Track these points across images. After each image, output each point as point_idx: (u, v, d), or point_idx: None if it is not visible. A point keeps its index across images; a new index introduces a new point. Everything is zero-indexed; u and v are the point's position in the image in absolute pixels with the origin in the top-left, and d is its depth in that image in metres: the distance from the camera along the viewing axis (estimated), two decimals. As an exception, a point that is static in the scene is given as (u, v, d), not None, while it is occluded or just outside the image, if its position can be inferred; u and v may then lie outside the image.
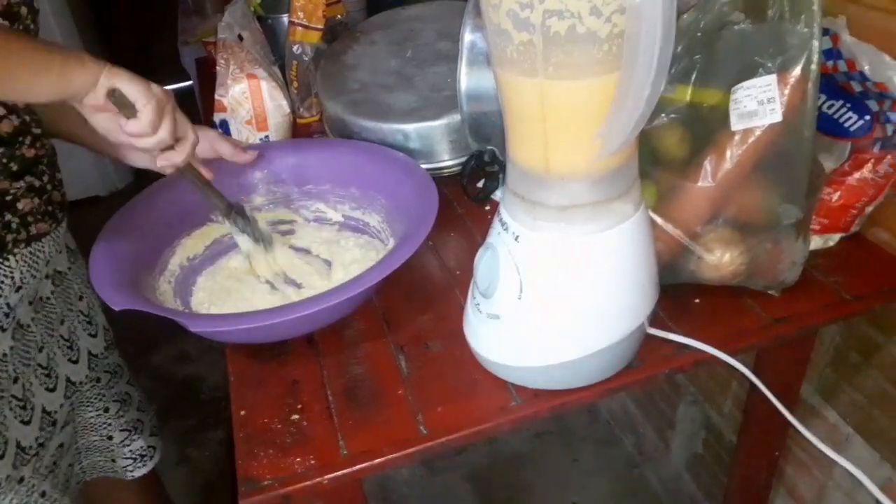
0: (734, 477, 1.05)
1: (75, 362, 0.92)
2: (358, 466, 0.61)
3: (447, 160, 0.92)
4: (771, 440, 0.95)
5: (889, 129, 0.70)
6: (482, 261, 0.64)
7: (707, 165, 0.66)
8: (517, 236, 0.60)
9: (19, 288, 0.77)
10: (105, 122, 0.67)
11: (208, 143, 0.80)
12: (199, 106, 1.41)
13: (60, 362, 0.89)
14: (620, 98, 0.48)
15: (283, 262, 0.83)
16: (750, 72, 0.63)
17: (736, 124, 0.64)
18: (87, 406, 0.97)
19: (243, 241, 0.82)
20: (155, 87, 0.67)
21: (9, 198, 0.74)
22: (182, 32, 1.78)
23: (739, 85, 0.64)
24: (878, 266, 0.77)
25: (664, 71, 0.45)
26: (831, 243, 0.79)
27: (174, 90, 0.76)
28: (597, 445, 1.68)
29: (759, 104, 0.63)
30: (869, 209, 0.75)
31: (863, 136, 0.72)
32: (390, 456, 0.61)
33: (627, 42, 0.45)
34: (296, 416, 0.66)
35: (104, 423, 0.99)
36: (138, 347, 1.04)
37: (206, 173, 0.78)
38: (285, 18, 1.19)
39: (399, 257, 0.67)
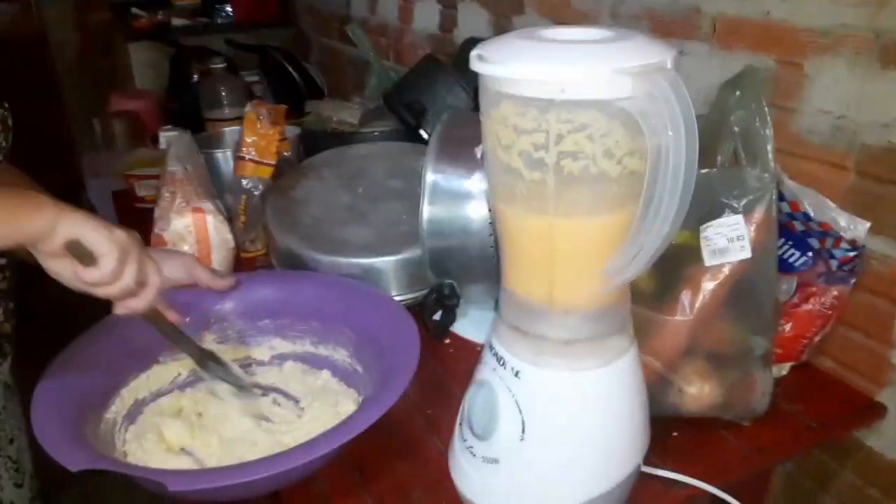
0: None
1: (20, 486, 0.84)
2: None
3: (406, 294, 0.91)
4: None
5: (833, 264, 0.76)
6: (476, 400, 0.61)
7: (683, 299, 0.68)
8: (517, 371, 0.58)
9: None
10: (61, 269, 0.60)
11: (184, 268, 0.73)
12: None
13: (6, 486, 0.82)
14: (635, 234, 0.49)
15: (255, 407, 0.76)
16: (717, 212, 0.68)
17: (709, 260, 0.67)
18: None
19: (222, 389, 0.75)
20: (118, 231, 0.61)
21: None
22: (89, 166, 1.82)
23: (708, 224, 0.68)
24: (831, 393, 0.81)
25: (685, 208, 0.47)
26: (784, 372, 0.82)
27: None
28: None
29: (728, 241, 0.67)
30: (817, 339, 0.80)
31: (806, 271, 0.78)
32: None
33: (650, 180, 0.47)
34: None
35: None
36: (44, 488, 0.92)
37: (172, 316, 0.71)
38: (219, 154, 1.18)
39: (382, 406, 0.63)
